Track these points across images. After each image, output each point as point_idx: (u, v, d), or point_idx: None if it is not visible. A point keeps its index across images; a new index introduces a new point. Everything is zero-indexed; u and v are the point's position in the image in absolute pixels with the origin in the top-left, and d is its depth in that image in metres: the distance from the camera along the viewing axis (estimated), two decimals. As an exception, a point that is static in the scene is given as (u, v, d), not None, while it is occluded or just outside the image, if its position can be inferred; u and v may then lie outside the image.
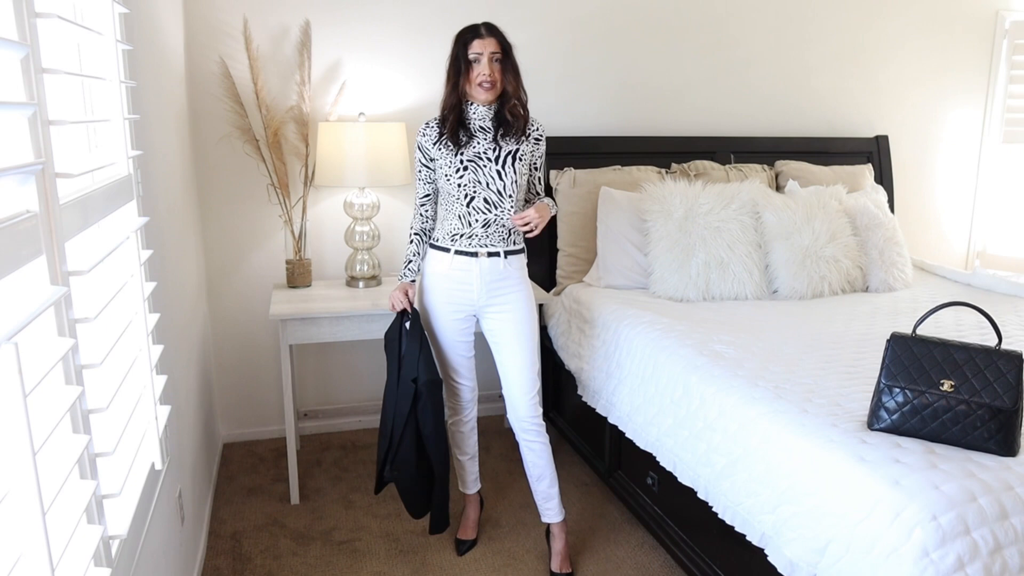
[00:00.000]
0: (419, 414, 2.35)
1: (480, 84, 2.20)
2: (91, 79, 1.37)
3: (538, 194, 2.44)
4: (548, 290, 3.32)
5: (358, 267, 3.13)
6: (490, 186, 2.27)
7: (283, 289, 3.10)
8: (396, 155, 3.02)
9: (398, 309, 2.37)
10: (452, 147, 2.27)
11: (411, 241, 2.42)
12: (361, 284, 3.12)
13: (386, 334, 2.42)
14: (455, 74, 2.24)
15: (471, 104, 2.26)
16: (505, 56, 2.22)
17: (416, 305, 2.42)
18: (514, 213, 2.29)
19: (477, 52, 2.19)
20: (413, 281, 2.41)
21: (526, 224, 2.25)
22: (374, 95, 3.26)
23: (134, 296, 1.56)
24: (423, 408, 2.34)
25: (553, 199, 2.81)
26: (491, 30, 2.22)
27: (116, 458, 1.36)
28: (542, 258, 3.35)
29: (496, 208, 2.28)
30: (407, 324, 2.36)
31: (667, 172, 3.42)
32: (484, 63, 2.19)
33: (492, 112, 2.27)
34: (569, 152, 3.39)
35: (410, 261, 2.41)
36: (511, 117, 2.26)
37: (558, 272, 3.31)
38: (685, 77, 3.65)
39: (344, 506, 2.85)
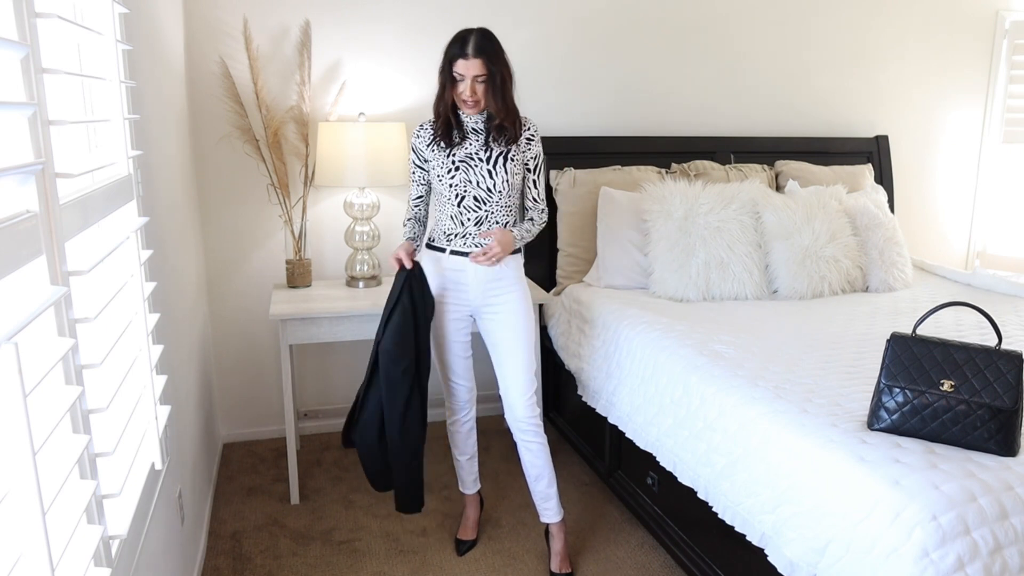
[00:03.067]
0: (380, 381, 2.28)
1: (463, 101, 2.21)
2: (91, 79, 1.37)
3: (535, 200, 2.40)
4: (548, 290, 3.32)
5: (358, 267, 3.13)
6: (480, 184, 2.27)
7: (283, 289, 3.10)
8: (396, 155, 3.02)
9: (401, 264, 2.28)
10: (445, 148, 2.28)
11: (405, 224, 2.45)
12: (361, 284, 3.12)
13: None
14: (442, 84, 2.24)
15: (461, 110, 2.27)
16: (490, 76, 2.17)
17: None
18: (507, 212, 2.31)
19: (460, 73, 2.17)
20: (413, 239, 2.40)
21: (487, 256, 2.23)
22: (374, 95, 3.26)
23: (134, 296, 1.56)
24: (382, 376, 2.26)
25: (550, 204, 2.79)
26: (479, 50, 2.14)
27: (116, 458, 1.36)
28: (542, 258, 3.35)
29: (485, 204, 2.28)
30: (406, 290, 2.26)
31: (667, 172, 3.42)
32: (467, 83, 2.17)
33: (484, 117, 2.28)
34: (569, 152, 3.39)
35: (408, 226, 2.42)
36: (497, 132, 2.26)
37: (558, 272, 3.31)
38: (685, 77, 3.65)
39: (344, 506, 2.85)
